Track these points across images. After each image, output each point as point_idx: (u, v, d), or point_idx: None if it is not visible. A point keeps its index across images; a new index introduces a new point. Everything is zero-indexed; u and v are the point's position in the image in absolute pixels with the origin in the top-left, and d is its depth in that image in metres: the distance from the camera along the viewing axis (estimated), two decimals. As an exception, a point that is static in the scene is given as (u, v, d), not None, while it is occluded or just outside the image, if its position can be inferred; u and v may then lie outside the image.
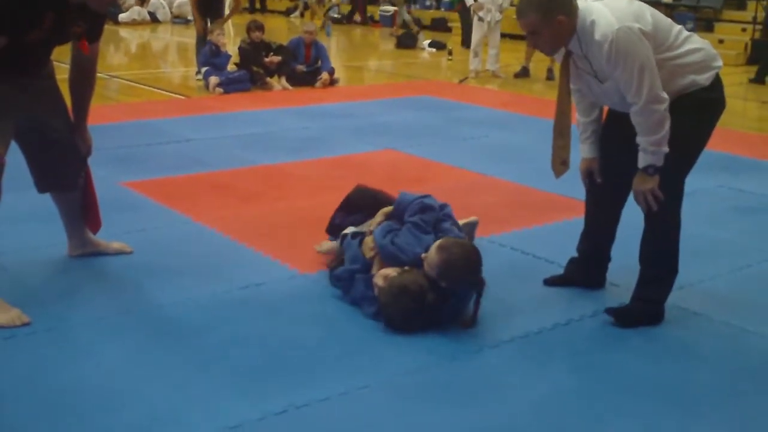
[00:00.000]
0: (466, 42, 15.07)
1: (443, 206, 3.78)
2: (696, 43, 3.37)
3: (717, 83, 3.45)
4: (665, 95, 3.22)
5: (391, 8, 19.99)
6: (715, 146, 6.89)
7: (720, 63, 3.44)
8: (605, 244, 3.85)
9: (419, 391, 2.99)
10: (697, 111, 3.38)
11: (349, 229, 3.96)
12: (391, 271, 3.47)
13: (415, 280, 3.39)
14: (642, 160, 3.31)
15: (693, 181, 5.69)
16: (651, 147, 3.25)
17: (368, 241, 3.69)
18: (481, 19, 11.33)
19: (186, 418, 2.74)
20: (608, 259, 3.88)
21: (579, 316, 3.63)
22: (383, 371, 3.10)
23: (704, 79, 3.37)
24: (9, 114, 3.41)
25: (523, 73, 11.59)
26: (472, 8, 11.45)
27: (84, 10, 3.37)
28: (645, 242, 3.58)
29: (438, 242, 3.42)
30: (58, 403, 2.81)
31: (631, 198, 3.54)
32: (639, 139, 3.28)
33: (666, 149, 3.27)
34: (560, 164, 3.64)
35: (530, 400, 2.94)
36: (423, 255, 3.43)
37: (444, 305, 3.43)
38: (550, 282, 3.94)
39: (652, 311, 3.58)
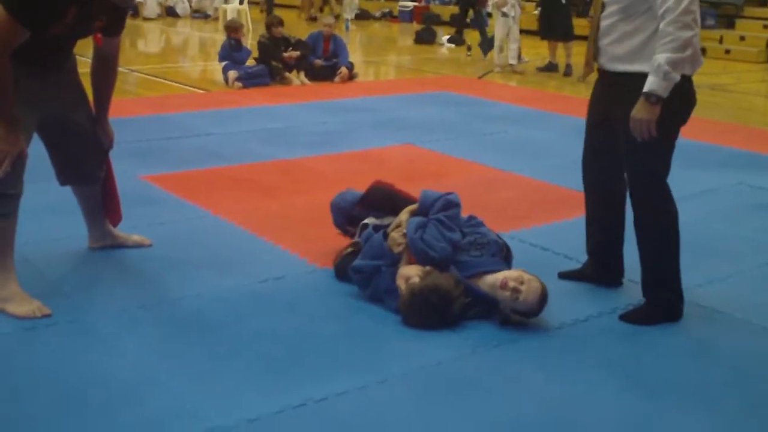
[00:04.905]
0: None
1: (472, 217, 3.82)
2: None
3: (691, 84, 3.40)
4: (697, 26, 3.19)
5: (410, 3, 19.98)
6: (735, 143, 6.92)
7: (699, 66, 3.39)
8: (613, 244, 3.83)
9: (437, 385, 2.99)
10: (678, 97, 3.28)
11: (370, 220, 3.96)
12: (414, 274, 3.46)
13: (436, 288, 3.36)
14: (648, 84, 3.22)
15: (713, 179, 5.72)
16: (666, 65, 3.15)
17: (395, 236, 3.68)
18: (504, 15, 11.31)
19: (205, 411, 2.75)
20: (620, 257, 3.86)
21: (598, 313, 3.62)
22: (401, 366, 3.11)
23: (695, 68, 3.34)
24: (32, 107, 3.43)
25: (550, 67, 11.56)
26: (495, 4, 11.43)
27: (106, 3, 3.38)
28: (642, 247, 3.58)
29: (539, 289, 3.40)
30: (78, 395, 2.83)
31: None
32: (656, 57, 3.18)
33: (677, 78, 3.19)
34: (585, 65, 3.69)
35: (549, 396, 2.94)
36: (513, 285, 3.38)
37: (473, 310, 3.45)
38: (565, 275, 3.95)
39: (667, 308, 3.57)
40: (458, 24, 15.93)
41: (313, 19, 19.30)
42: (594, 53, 3.52)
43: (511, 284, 3.38)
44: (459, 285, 3.40)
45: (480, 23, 13.85)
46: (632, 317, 3.55)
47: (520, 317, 3.44)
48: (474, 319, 3.46)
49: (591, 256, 3.92)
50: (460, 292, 3.39)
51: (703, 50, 3.65)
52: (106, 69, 3.79)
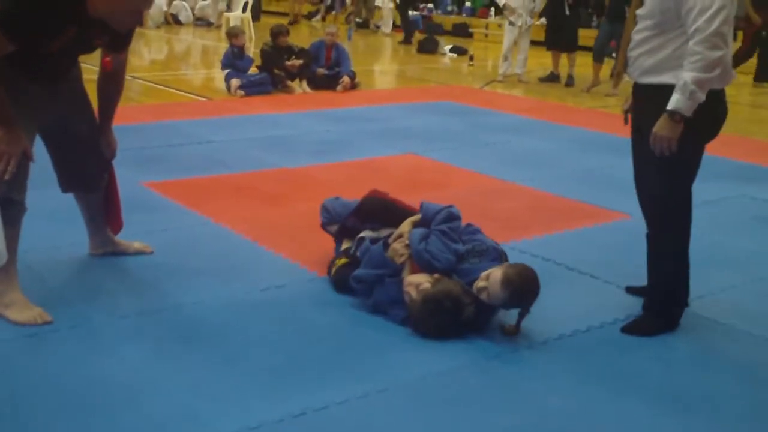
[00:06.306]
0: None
1: (469, 225, 3.81)
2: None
3: (723, 95, 3.37)
4: (727, 47, 3.16)
5: (412, 13, 19.99)
6: (737, 155, 6.92)
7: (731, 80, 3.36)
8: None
9: (437, 395, 2.98)
10: (709, 109, 3.27)
11: (366, 233, 3.96)
12: (424, 281, 3.46)
13: (449, 293, 3.37)
14: (672, 102, 3.18)
15: (716, 190, 5.71)
16: (692, 85, 3.12)
17: (397, 247, 3.67)
18: (512, 24, 11.32)
19: (206, 418, 2.75)
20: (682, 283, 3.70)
21: (599, 324, 3.61)
22: (402, 375, 3.11)
23: (725, 82, 3.32)
24: (33, 111, 3.41)
25: (552, 78, 11.57)
26: (505, 6, 11.45)
27: (106, 26, 3.34)
28: (652, 259, 3.58)
29: (499, 277, 3.32)
30: (80, 401, 2.83)
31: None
32: (683, 74, 3.15)
33: (702, 98, 3.15)
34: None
35: (549, 407, 2.93)
36: (480, 285, 3.38)
37: (481, 316, 3.44)
38: (633, 291, 3.90)
39: (668, 318, 3.58)
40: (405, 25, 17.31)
41: (293, 23, 19.22)
42: (624, 65, 3.52)
43: (479, 284, 3.38)
44: (467, 292, 3.41)
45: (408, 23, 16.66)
46: (633, 328, 3.55)
47: (523, 313, 3.43)
48: (480, 327, 3.46)
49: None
50: (470, 299, 3.39)
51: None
52: (111, 83, 3.78)
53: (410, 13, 17.59)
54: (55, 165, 3.84)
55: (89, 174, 3.88)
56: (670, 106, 3.19)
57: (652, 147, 3.29)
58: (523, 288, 3.35)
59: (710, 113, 3.30)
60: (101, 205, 4.03)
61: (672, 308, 3.59)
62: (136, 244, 4.22)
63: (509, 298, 3.34)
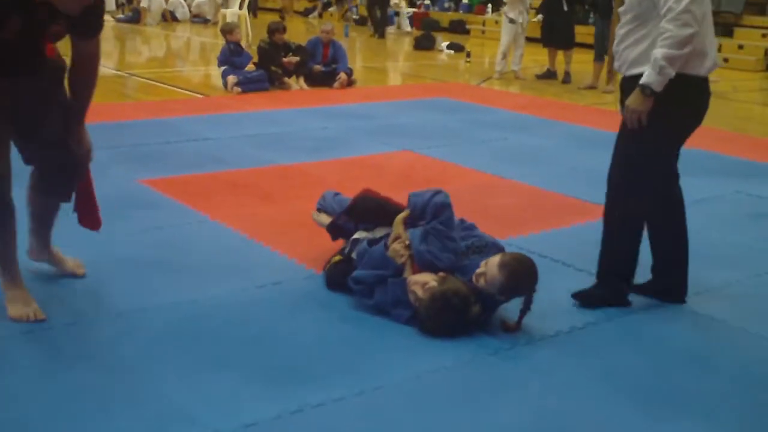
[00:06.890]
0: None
1: (462, 221, 3.82)
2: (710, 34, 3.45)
3: (706, 84, 3.51)
4: (698, 26, 3.28)
5: (410, 10, 19.99)
6: (733, 152, 6.94)
7: (711, 68, 3.49)
8: (665, 262, 3.81)
9: (434, 392, 2.99)
10: (686, 95, 3.44)
11: (361, 234, 3.95)
12: (430, 280, 3.46)
13: (457, 291, 3.38)
14: (644, 76, 3.35)
15: (711, 187, 5.73)
16: (661, 60, 3.28)
17: (397, 248, 3.65)
18: (512, 21, 11.29)
19: (203, 415, 2.75)
20: (679, 278, 3.80)
21: (596, 320, 3.62)
22: (399, 372, 3.11)
23: (703, 69, 3.43)
24: (2, 114, 3.25)
25: (548, 75, 11.56)
26: (502, 9, 11.46)
27: (56, 11, 3.10)
28: (605, 230, 3.74)
29: (497, 261, 3.38)
30: (75, 398, 2.83)
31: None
32: (654, 51, 3.32)
33: (671, 73, 3.30)
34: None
35: (545, 405, 2.94)
36: (478, 271, 3.42)
37: (486, 314, 3.45)
38: (636, 289, 3.90)
39: (609, 292, 3.71)
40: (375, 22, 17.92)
41: (283, 17, 19.18)
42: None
43: (478, 270, 3.42)
44: (473, 291, 3.42)
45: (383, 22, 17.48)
46: (581, 297, 3.74)
47: (524, 309, 3.45)
48: (483, 324, 3.46)
49: (651, 272, 3.86)
50: (476, 297, 3.40)
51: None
52: (83, 70, 3.42)
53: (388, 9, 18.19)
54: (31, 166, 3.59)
55: (59, 182, 3.60)
56: (642, 80, 3.35)
57: (625, 119, 3.45)
58: (520, 271, 3.37)
59: (691, 101, 3.48)
60: (56, 210, 3.73)
61: (617, 282, 3.69)
62: (71, 263, 3.89)
63: (506, 281, 3.34)
